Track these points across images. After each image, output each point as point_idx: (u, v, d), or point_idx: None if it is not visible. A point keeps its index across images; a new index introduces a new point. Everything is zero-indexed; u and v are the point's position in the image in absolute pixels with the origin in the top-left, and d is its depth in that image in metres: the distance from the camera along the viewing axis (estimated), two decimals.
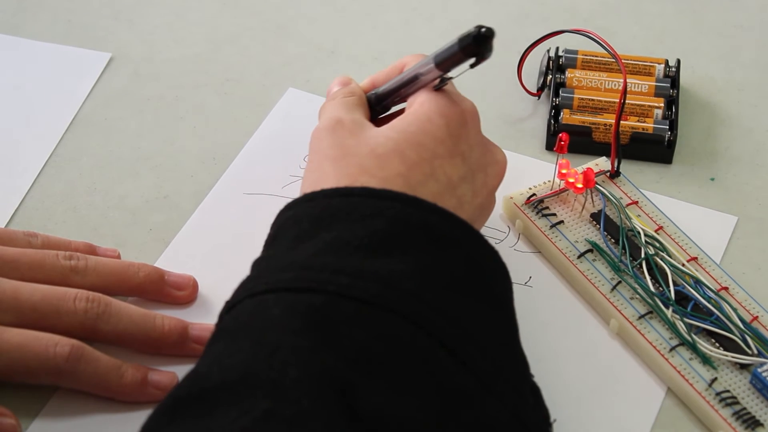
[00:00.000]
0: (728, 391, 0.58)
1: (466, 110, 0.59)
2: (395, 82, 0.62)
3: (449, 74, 0.59)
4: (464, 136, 0.58)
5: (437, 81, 0.59)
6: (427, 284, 0.49)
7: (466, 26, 0.82)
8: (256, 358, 0.45)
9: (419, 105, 0.58)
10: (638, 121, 0.72)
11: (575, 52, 0.76)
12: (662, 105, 0.73)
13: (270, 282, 0.49)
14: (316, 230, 0.52)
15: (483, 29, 0.55)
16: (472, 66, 0.57)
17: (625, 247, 0.64)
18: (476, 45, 0.55)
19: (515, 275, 0.64)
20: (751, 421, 0.57)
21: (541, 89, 0.75)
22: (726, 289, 0.63)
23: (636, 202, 0.68)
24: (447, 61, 0.57)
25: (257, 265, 0.53)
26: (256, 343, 0.46)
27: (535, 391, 0.52)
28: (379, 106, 0.63)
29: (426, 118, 0.57)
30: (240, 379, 0.45)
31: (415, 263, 0.50)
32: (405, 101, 0.62)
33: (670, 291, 0.62)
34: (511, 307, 0.54)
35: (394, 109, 0.64)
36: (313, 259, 0.50)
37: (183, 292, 0.62)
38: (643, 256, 0.64)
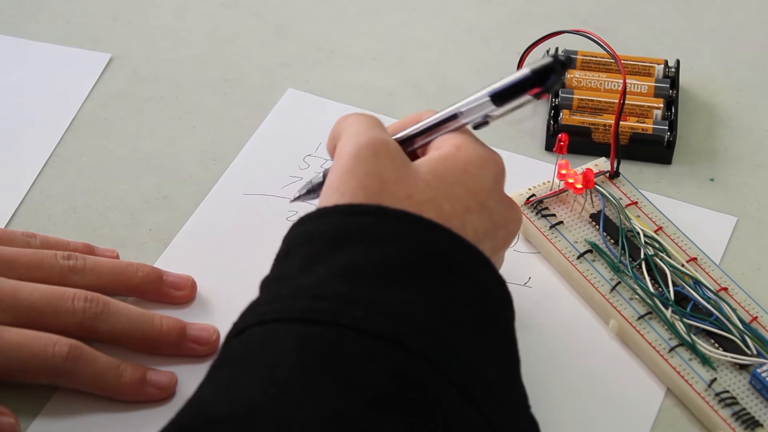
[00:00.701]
0: (728, 391, 0.58)
1: (498, 164, 0.56)
2: (421, 125, 0.57)
3: (496, 112, 0.56)
4: (494, 191, 0.55)
5: (478, 121, 0.56)
6: (440, 319, 0.48)
7: (466, 27, 0.82)
8: (265, 394, 0.44)
9: (456, 149, 0.55)
10: (638, 121, 0.72)
11: (575, 52, 0.76)
12: (662, 105, 0.73)
13: (281, 310, 0.48)
14: (328, 251, 0.50)
15: (563, 58, 0.53)
16: (536, 96, 0.54)
17: (624, 248, 0.64)
18: (552, 75, 0.53)
19: (515, 276, 0.65)
20: (751, 422, 0.57)
21: None
22: (725, 289, 0.63)
23: (635, 203, 0.68)
24: (508, 92, 0.55)
25: (267, 286, 0.51)
26: (266, 378, 0.45)
27: (533, 427, 0.51)
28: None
29: (463, 168, 0.55)
30: (246, 416, 0.44)
31: (428, 295, 0.49)
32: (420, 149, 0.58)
33: (669, 291, 0.62)
34: (514, 338, 0.53)
35: None
36: (325, 286, 0.48)
37: (181, 292, 0.62)
38: (642, 256, 0.64)
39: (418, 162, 0.55)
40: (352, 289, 0.48)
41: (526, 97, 0.55)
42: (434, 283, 0.50)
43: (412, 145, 0.58)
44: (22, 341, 0.56)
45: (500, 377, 0.49)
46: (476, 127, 0.57)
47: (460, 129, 0.57)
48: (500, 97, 0.55)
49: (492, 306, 0.52)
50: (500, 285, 0.53)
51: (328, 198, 0.53)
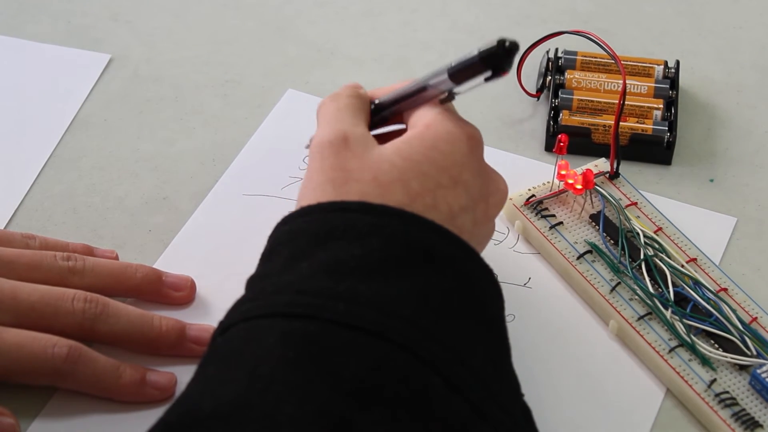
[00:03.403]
0: (727, 392, 0.58)
1: (472, 137, 0.57)
2: (400, 91, 0.59)
3: (459, 89, 0.57)
4: (468, 165, 0.56)
5: (444, 95, 0.57)
6: (423, 309, 0.49)
7: (466, 28, 0.82)
8: (250, 390, 0.45)
9: (425, 128, 0.56)
10: (637, 122, 0.72)
11: (574, 53, 0.76)
12: (661, 106, 0.73)
13: (265, 306, 0.48)
14: (312, 248, 0.51)
15: (508, 43, 0.53)
16: (487, 80, 0.55)
17: (624, 248, 0.64)
18: (499, 59, 0.53)
19: (515, 276, 0.65)
20: (750, 422, 0.57)
21: (540, 90, 0.75)
22: (725, 290, 0.63)
23: (635, 203, 0.68)
24: (463, 72, 0.55)
25: (252, 283, 0.52)
26: (250, 374, 0.45)
27: (526, 413, 0.51)
28: (377, 116, 0.61)
29: (431, 145, 0.55)
30: (233, 412, 0.44)
31: (412, 287, 0.49)
32: (402, 119, 0.60)
33: (669, 292, 0.62)
34: (503, 327, 0.53)
35: (391, 128, 0.61)
36: (308, 281, 0.49)
37: (181, 293, 0.62)
38: (642, 257, 0.64)
39: (385, 145, 0.56)
40: (335, 284, 0.48)
41: (484, 76, 0.55)
42: (417, 274, 0.50)
43: (394, 111, 0.60)
44: (22, 342, 0.56)
45: (488, 365, 0.49)
46: (443, 101, 0.58)
47: (435, 104, 0.58)
48: (456, 75, 0.56)
49: (478, 295, 0.52)
50: (487, 274, 0.53)
51: (302, 194, 0.55)
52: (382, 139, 0.58)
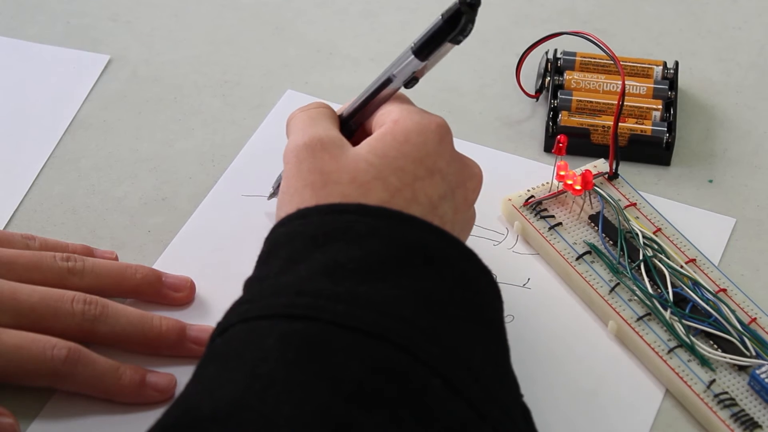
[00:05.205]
0: (726, 392, 0.58)
1: (440, 125, 0.58)
2: (363, 93, 0.60)
3: (425, 64, 0.58)
4: (441, 153, 0.57)
5: (407, 80, 0.59)
6: (422, 310, 0.49)
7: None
8: (249, 391, 0.45)
9: (394, 123, 0.57)
10: (636, 122, 0.72)
11: (573, 54, 0.76)
12: (660, 107, 0.73)
13: (264, 307, 0.48)
14: (309, 250, 0.51)
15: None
16: (451, 42, 0.56)
17: (623, 249, 0.64)
18: (461, 16, 0.55)
19: (514, 277, 0.65)
20: (750, 423, 0.57)
21: (539, 91, 0.75)
22: (724, 290, 0.63)
23: (634, 204, 0.68)
24: (428, 42, 0.57)
25: (250, 285, 0.52)
26: (249, 374, 0.45)
27: (525, 414, 0.52)
28: (344, 129, 0.60)
29: (404, 138, 0.56)
30: (232, 413, 0.44)
31: (410, 288, 0.49)
32: (366, 128, 0.60)
33: (668, 293, 0.62)
34: (502, 327, 0.53)
35: None
36: (307, 282, 0.49)
37: (180, 294, 0.62)
38: (641, 257, 0.64)
39: (359, 145, 0.57)
40: (334, 285, 0.48)
41: (447, 45, 0.57)
42: (415, 275, 0.50)
43: (360, 118, 0.60)
44: (21, 344, 0.56)
45: (487, 366, 0.49)
46: (406, 86, 0.59)
47: (398, 100, 0.59)
48: (422, 50, 0.57)
49: (476, 295, 0.52)
50: (485, 275, 0.53)
51: (282, 201, 0.56)
52: (353, 143, 0.58)
